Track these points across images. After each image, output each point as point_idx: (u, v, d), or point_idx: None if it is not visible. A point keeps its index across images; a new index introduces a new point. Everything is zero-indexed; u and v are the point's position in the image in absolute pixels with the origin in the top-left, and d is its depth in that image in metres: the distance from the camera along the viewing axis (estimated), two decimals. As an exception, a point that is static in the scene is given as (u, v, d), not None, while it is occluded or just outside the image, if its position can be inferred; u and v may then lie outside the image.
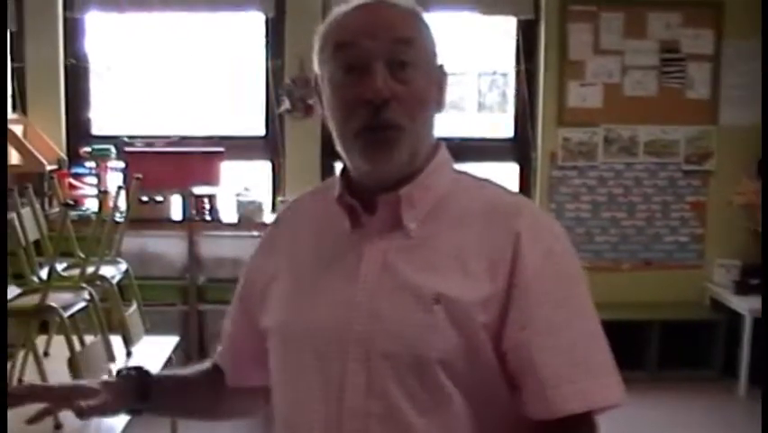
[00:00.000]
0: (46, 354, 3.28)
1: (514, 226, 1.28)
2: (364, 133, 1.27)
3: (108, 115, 5.64)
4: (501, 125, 5.84)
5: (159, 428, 3.37)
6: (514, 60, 5.45)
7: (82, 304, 3.11)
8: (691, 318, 5.26)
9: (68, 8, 5.22)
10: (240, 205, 5.01)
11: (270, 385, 1.45)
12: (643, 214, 5.43)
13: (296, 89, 5.18)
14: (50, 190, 4.59)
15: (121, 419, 2.71)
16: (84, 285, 3.18)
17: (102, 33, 5.49)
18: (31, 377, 2.97)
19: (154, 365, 3.00)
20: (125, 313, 3.45)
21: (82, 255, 3.40)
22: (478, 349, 1.23)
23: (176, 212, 5.00)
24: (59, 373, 2.81)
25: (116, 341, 3.29)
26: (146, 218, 4.73)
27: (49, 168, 4.78)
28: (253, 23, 5.40)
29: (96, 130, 5.43)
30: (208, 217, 5.00)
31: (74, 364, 2.79)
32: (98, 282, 3.36)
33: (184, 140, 5.27)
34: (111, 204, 3.76)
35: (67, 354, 2.89)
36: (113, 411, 1.42)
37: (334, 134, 1.32)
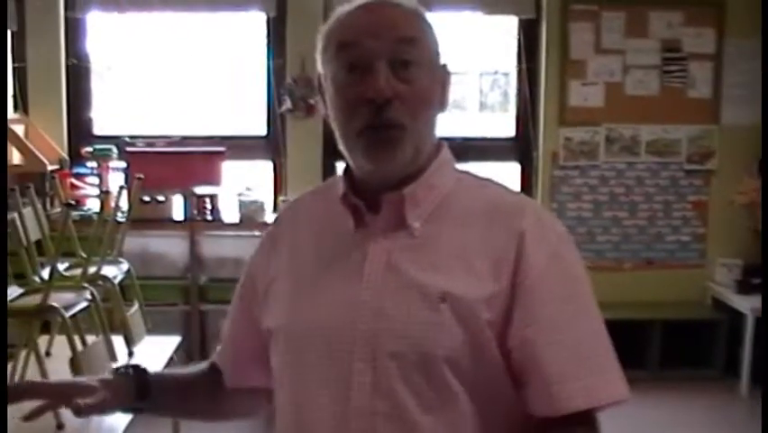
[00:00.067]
0: (48, 353, 3.28)
1: (517, 226, 1.29)
2: (367, 132, 1.27)
3: (110, 114, 5.64)
4: (503, 125, 5.84)
5: (160, 427, 3.37)
6: (515, 60, 5.45)
7: (84, 304, 3.12)
8: (693, 318, 5.26)
9: (69, 8, 5.22)
10: (241, 205, 5.01)
11: (271, 386, 1.45)
12: (644, 213, 5.43)
13: (297, 89, 5.18)
14: (52, 190, 4.60)
15: (123, 419, 2.71)
16: (86, 285, 3.18)
17: (103, 33, 5.49)
18: (32, 377, 2.96)
19: (156, 365, 3.00)
20: (127, 313, 3.45)
21: (84, 255, 3.41)
22: (483, 347, 1.24)
23: (177, 212, 5.00)
24: (60, 373, 2.81)
25: (118, 341, 3.30)
26: (148, 218, 4.73)
27: (50, 168, 4.78)
28: (255, 23, 5.40)
29: (97, 130, 5.43)
30: (210, 217, 5.00)
31: (76, 364, 2.79)
32: (100, 282, 3.36)
33: (185, 140, 5.27)
34: (112, 204, 3.77)
35: (68, 353, 2.89)
36: (111, 409, 1.42)
37: (337, 134, 1.32)
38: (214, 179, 4.97)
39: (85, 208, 4.89)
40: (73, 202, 3.69)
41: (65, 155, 5.15)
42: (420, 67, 1.28)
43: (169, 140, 5.24)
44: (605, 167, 5.38)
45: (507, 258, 1.26)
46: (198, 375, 1.57)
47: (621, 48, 5.27)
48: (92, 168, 5.07)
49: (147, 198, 4.76)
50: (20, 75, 5.20)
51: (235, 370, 1.54)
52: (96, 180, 5.04)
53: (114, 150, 5.05)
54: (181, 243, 5.09)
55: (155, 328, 3.73)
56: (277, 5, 5.23)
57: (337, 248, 1.34)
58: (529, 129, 5.42)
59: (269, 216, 4.89)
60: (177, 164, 4.89)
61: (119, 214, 3.74)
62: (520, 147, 5.50)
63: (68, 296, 3.06)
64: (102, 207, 3.83)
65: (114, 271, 3.50)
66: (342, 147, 1.33)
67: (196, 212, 4.96)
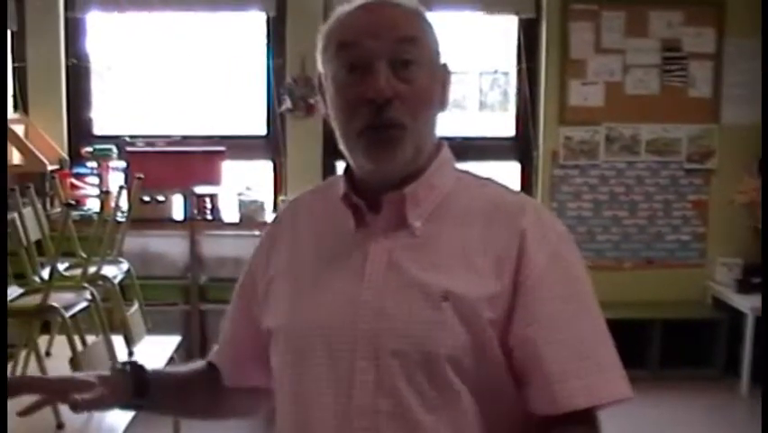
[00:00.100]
0: (48, 353, 3.28)
1: (518, 225, 1.29)
2: (367, 132, 1.27)
3: (109, 114, 5.64)
4: (503, 124, 5.84)
5: (161, 427, 3.37)
6: (515, 59, 5.45)
7: (84, 304, 3.12)
8: (693, 317, 5.26)
9: (69, 8, 5.22)
10: (241, 204, 5.01)
11: (271, 385, 1.45)
12: (644, 212, 5.43)
13: (297, 88, 5.18)
14: (52, 190, 4.60)
15: (123, 419, 2.72)
16: (86, 285, 3.18)
17: (103, 33, 5.49)
18: (33, 377, 2.97)
19: (156, 365, 3.00)
20: (127, 313, 3.45)
21: (84, 255, 3.41)
22: (485, 345, 1.24)
23: (177, 212, 5.00)
24: (60, 373, 2.81)
25: (118, 341, 3.30)
26: (148, 218, 4.73)
27: (50, 168, 4.79)
28: (254, 23, 5.40)
29: (97, 130, 5.43)
30: (210, 217, 5.00)
31: (76, 364, 2.79)
32: (100, 282, 3.36)
33: (185, 139, 5.28)
34: (112, 204, 3.77)
35: (68, 353, 2.89)
36: (108, 406, 1.42)
37: (338, 134, 1.32)
38: (214, 179, 4.97)
39: (85, 208, 4.89)
40: (73, 202, 3.69)
41: (65, 155, 5.15)
42: (420, 66, 1.28)
43: (169, 139, 5.24)
44: (605, 166, 5.38)
45: (509, 257, 1.27)
46: (196, 374, 1.57)
47: (621, 47, 5.27)
48: (92, 168, 5.07)
49: (147, 198, 4.76)
50: (20, 75, 5.20)
51: (234, 369, 1.53)
52: (95, 180, 5.04)
53: (114, 150, 5.05)
54: (181, 242, 5.09)
55: (155, 328, 3.73)
56: (276, 5, 5.23)
57: (338, 248, 1.34)
58: (529, 128, 5.42)
59: (269, 216, 4.89)
60: (177, 164, 4.89)
61: (119, 214, 3.74)
62: (520, 146, 5.50)
63: (68, 296, 3.06)
64: (102, 207, 3.83)
65: (114, 271, 3.50)
66: (342, 147, 1.33)
67: (196, 212, 4.96)
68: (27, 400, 1.35)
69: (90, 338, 3.22)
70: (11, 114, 5.06)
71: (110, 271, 3.47)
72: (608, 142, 5.35)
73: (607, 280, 4.67)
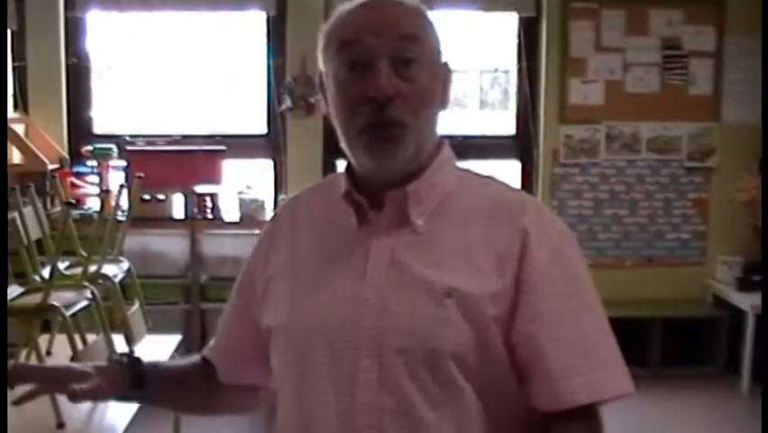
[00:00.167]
0: (48, 353, 3.28)
1: (520, 223, 1.30)
2: (368, 130, 1.27)
3: (110, 114, 5.64)
4: (503, 123, 5.84)
5: (161, 425, 3.38)
6: (515, 58, 5.44)
7: (84, 303, 3.12)
8: (694, 315, 5.26)
9: (69, 7, 5.22)
10: (242, 203, 5.02)
11: (268, 383, 1.45)
12: (645, 211, 5.43)
13: (297, 87, 5.18)
14: (52, 189, 4.59)
15: (123, 417, 2.72)
16: (86, 284, 3.18)
17: (103, 32, 5.49)
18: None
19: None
20: (127, 312, 3.45)
21: (84, 254, 3.41)
22: (488, 342, 1.25)
23: (178, 211, 5.00)
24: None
25: (119, 340, 3.29)
26: (148, 217, 4.73)
27: (50, 167, 4.78)
28: (255, 22, 5.39)
29: (97, 129, 5.43)
30: (210, 216, 5.00)
31: (76, 363, 2.79)
32: (100, 281, 3.36)
33: (185, 138, 5.27)
34: (113, 203, 3.77)
35: (69, 352, 2.89)
36: (105, 397, 1.43)
37: (339, 132, 1.32)
38: (214, 178, 4.97)
39: (85, 207, 4.89)
40: (73, 201, 3.69)
41: (65, 154, 5.14)
42: (422, 65, 1.29)
43: (170, 139, 5.24)
44: (605, 164, 5.38)
45: (511, 254, 1.27)
46: (193, 368, 1.57)
47: (621, 46, 5.27)
48: (92, 167, 5.07)
49: (147, 197, 4.76)
50: (20, 74, 5.20)
51: (230, 366, 1.53)
52: (96, 179, 5.04)
53: (115, 149, 5.05)
54: (182, 241, 5.09)
55: (156, 327, 3.72)
56: (277, 4, 5.23)
57: (339, 245, 1.34)
58: (529, 127, 5.42)
59: (270, 215, 4.89)
60: (177, 163, 4.89)
61: (119, 213, 3.73)
62: (520, 145, 5.50)
63: (69, 295, 3.06)
64: (102, 206, 3.83)
65: (114, 270, 3.50)
66: (343, 145, 1.33)
67: (196, 211, 4.96)
68: (23, 391, 1.35)
69: (91, 337, 3.22)
70: (11, 113, 5.06)
71: (110, 270, 3.47)
72: (609, 141, 5.35)
73: (607, 279, 4.67)
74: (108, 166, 5.01)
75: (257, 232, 1.52)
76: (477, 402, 1.25)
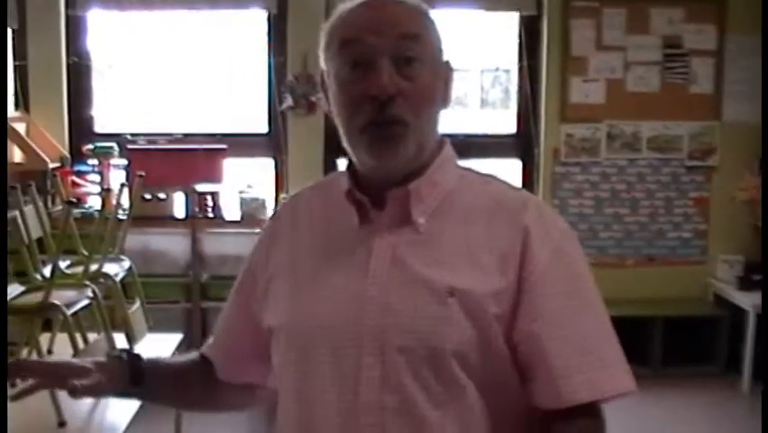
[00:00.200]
0: (50, 351, 3.28)
1: (521, 221, 1.30)
2: (370, 129, 1.27)
3: (111, 112, 5.64)
4: (504, 122, 5.84)
5: (162, 424, 3.38)
6: (516, 57, 5.44)
7: (85, 302, 3.12)
8: (695, 314, 5.26)
9: (70, 6, 5.22)
10: (243, 202, 5.02)
11: (267, 382, 1.45)
12: (646, 210, 5.43)
13: (298, 86, 5.18)
14: (53, 188, 4.59)
15: (125, 416, 2.72)
16: (87, 283, 3.18)
17: (104, 31, 5.49)
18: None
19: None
20: (129, 311, 3.45)
21: (85, 253, 3.41)
22: (490, 341, 1.25)
23: (179, 209, 5.00)
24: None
25: (120, 339, 3.30)
26: (149, 216, 4.73)
27: (51, 166, 4.78)
28: (256, 21, 5.39)
29: (98, 128, 5.43)
30: (211, 215, 5.00)
31: (78, 362, 2.79)
32: (101, 280, 3.36)
33: (187, 137, 5.27)
34: (114, 201, 3.77)
35: (70, 351, 2.90)
36: (105, 393, 1.42)
37: (341, 130, 1.32)
38: (215, 177, 4.97)
39: (86, 206, 4.89)
40: (74, 200, 3.69)
41: (66, 153, 5.14)
42: (423, 63, 1.29)
43: (171, 137, 5.24)
44: (606, 163, 5.37)
45: (513, 253, 1.28)
46: (191, 365, 1.57)
47: (622, 44, 5.27)
48: (93, 165, 5.07)
49: (148, 196, 4.76)
50: (21, 73, 5.20)
51: (229, 364, 1.53)
52: (97, 178, 5.04)
53: (116, 147, 5.05)
54: (182, 240, 5.09)
55: (157, 326, 3.72)
56: (278, 3, 5.23)
57: (340, 244, 1.34)
58: (530, 126, 5.42)
59: (271, 214, 4.89)
60: (178, 162, 4.89)
61: (120, 211, 3.73)
62: (521, 144, 5.50)
63: (70, 294, 3.06)
64: (103, 205, 3.83)
65: (115, 269, 3.50)
66: (345, 143, 1.33)
67: (197, 209, 4.96)
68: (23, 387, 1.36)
69: (92, 336, 3.22)
70: (12, 112, 5.06)
71: (111, 268, 3.47)
72: (610, 140, 5.34)
73: (608, 278, 4.67)
74: (109, 165, 5.01)
75: (258, 231, 1.52)
76: (479, 400, 1.26)
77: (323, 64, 1.35)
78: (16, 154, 4.83)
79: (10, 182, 3.31)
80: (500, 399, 1.27)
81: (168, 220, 4.99)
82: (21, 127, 4.96)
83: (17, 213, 3.08)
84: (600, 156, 5.36)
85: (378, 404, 1.24)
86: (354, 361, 1.25)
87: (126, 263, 3.62)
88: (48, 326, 3.34)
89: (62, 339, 3.17)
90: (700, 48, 5.29)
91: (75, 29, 5.29)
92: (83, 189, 5.02)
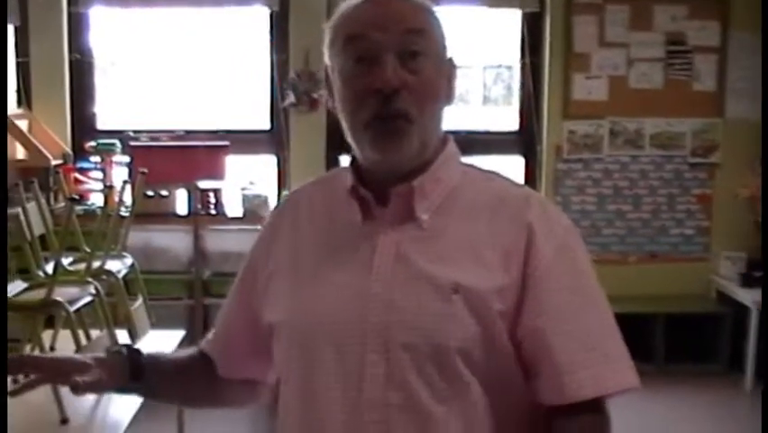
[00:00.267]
0: (52, 348, 3.28)
1: (524, 218, 1.30)
2: (374, 122, 1.27)
3: (113, 109, 5.64)
4: (506, 118, 5.83)
5: (165, 421, 3.38)
6: (519, 53, 5.44)
7: (88, 298, 3.12)
8: (697, 311, 5.25)
9: (72, 3, 5.22)
10: (245, 199, 5.02)
11: (267, 377, 1.45)
12: (648, 207, 5.42)
13: (300, 83, 5.17)
14: (56, 185, 4.60)
15: (127, 413, 2.72)
16: (90, 279, 3.18)
17: (106, 28, 5.49)
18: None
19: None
20: (131, 307, 3.45)
21: (88, 250, 3.40)
22: (495, 337, 1.25)
23: (181, 206, 5.00)
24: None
25: (122, 335, 3.30)
26: (151, 213, 4.72)
27: (54, 162, 4.79)
28: (258, 18, 5.39)
29: (100, 125, 5.43)
30: (213, 212, 5.00)
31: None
32: (104, 277, 3.36)
33: (189, 134, 5.27)
34: (116, 198, 3.76)
35: (73, 348, 2.90)
36: (106, 389, 1.42)
37: (345, 126, 1.32)
38: (217, 174, 4.97)
39: (88, 203, 4.89)
40: (77, 197, 3.70)
41: (69, 150, 5.14)
42: (427, 58, 1.29)
43: (173, 134, 5.24)
44: (609, 160, 5.37)
45: (517, 249, 1.28)
46: (191, 361, 1.56)
47: (625, 41, 5.26)
48: (96, 162, 5.07)
49: (151, 193, 4.76)
50: (23, 70, 5.20)
51: (228, 360, 1.53)
52: (99, 175, 5.04)
53: (118, 144, 5.05)
54: (185, 237, 5.08)
55: (159, 323, 3.72)
56: (280, 0, 5.22)
57: (343, 240, 1.34)
58: (533, 122, 5.42)
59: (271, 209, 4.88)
60: (180, 159, 4.88)
61: (123, 208, 3.73)
62: (524, 140, 5.50)
63: (73, 290, 3.06)
64: (106, 202, 3.83)
65: (117, 266, 3.50)
66: (349, 139, 1.33)
67: (199, 206, 4.96)
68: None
69: (94, 333, 3.22)
70: (15, 109, 5.06)
71: (114, 265, 3.47)
72: (612, 136, 5.34)
73: (611, 274, 4.67)
74: (111, 162, 5.01)
75: (260, 227, 1.51)
76: (483, 397, 1.26)
77: (327, 61, 1.35)
78: (19, 151, 4.83)
79: (13, 179, 3.32)
80: (504, 395, 1.27)
81: (170, 217, 4.99)
82: (23, 124, 4.96)
83: (20, 210, 3.08)
84: (603, 153, 5.35)
85: (382, 401, 1.24)
86: (358, 358, 1.25)
87: (129, 260, 3.62)
88: (50, 322, 3.34)
89: (65, 336, 3.17)
90: (703, 45, 5.28)
91: (77, 26, 5.29)
92: (85, 186, 5.02)
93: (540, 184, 5.35)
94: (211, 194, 4.98)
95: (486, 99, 7.33)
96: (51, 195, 4.65)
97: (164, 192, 4.93)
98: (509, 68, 6.10)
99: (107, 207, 3.65)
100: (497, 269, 1.26)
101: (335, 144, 5.03)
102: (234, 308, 1.52)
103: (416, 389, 1.24)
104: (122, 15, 5.47)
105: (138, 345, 1.54)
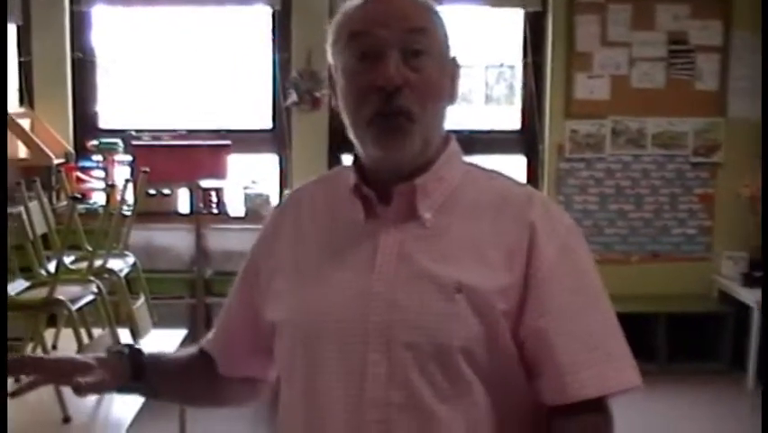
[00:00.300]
0: (54, 347, 3.28)
1: (527, 217, 1.30)
2: (377, 120, 1.27)
3: (115, 108, 5.64)
4: (508, 118, 5.83)
5: (167, 420, 3.39)
6: (521, 53, 5.44)
7: (90, 297, 3.12)
8: (699, 311, 5.26)
9: (74, 2, 5.22)
10: (247, 198, 5.02)
11: (267, 376, 1.45)
12: (650, 206, 5.42)
13: (302, 82, 5.17)
14: (58, 184, 4.60)
15: (129, 412, 2.72)
16: (92, 278, 3.18)
17: (108, 27, 5.50)
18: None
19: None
20: (133, 306, 3.45)
21: (90, 248, 3.41)
22: (497, 337, 1.25)
23: (183, 205, 5.00)
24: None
25: (124, 334, 3.30)
26: (153, 211, 4.73)
27: (56, 161, 4.79)
28: (260, 17, 5.39)
29: (103, 123, 5.44)
30: (215, 211, 5.00)
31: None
32: (106, 276, 3.36)
33: (191, 133, 5.27)
34: (118, 197, 3.77)
35: (75, 347, 2.90)
36: (108, 389, 1.42)
37: (347, 123, 1.32)
38: (219, 173, 4.97)
39: (91, 202, 4.89)
40: (79, 195, 3.71)
41: (71, 149, 5.15)
42: (430, 56, 1.29)
43: (175, 133, 5.23)
44: (611, 159, 5.37)
45: (520, 249, 1.28)
46: (192, 360, 1.56)
47: (627, 40, 5.26)
48: (98, 161, 5.07)
49: (153, 192, 4.76)
50: (25, 69, 5.20)
51: (229, 359, 1.53)
52: (101, 174, 5.04)
53: (120, 143, 5.05)
54: (187, 236, 5.08)
55: (161, 322, 3.73)
56: (282, -1, 5.23)
57: (345, 239, 1.34)
58: (535, 122, 5.41)
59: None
60: (182, 158, 4.88)
61: (125, 207, 3.74)
62: (526, 140, 5.50)
63: (75, 289, 3.06)
64: (108, 201, 3.83)
65: (120, 265, 3.50)
66: (352, 136, 1.33)
67: (201, 205, 4.96)
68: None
69: (96, 332, 3.22)
70: (17, 108, 5.06)
71: (116, 264, 3.47)
72: (614, 136, 5.34)
73: (613, 274, 4.65)
74: (114, 160, 5.01)
75: (262, 227, 1.51)
76: (485, 396, 1.26)
77: (330, 58, 1.35)
78: (21, 150, 4.83)
79: (15, 178, 3.32)
80: (507, 395, 1.27)
81: (172, 216, 4.99)
82: (25, 123, 4.96)
83: (22, 209, 3.09)
84: (605, 152, 5.35)
85: (384, 400, 1.24)
86: (360, 357, 1.25)
87: (131, 259, 3.62)
88: (52, 321, 3.35)
89: (67, 334, 3.17)
90: (706, 44, 5.28)
91: (79, 25, 5.30)
92: (87, 185, 5.03)
93: (542, 183, 5.35)
94: (213, 193, 4.98)
95: (488, 98, 7.32)
96: (54, 194, 4.65)
97: (166, 191, 4.93)
98: (512, 67, 6.10)
99: (109, 205, 3.65)
100: (500, 268, 1.26)
101: (337, 144, 5.03)
102: (235, 306, 1.52)
103: (418, 388, 1.23)
104: (124, 14, 5.47)
105: (140, 344, 1.54)
